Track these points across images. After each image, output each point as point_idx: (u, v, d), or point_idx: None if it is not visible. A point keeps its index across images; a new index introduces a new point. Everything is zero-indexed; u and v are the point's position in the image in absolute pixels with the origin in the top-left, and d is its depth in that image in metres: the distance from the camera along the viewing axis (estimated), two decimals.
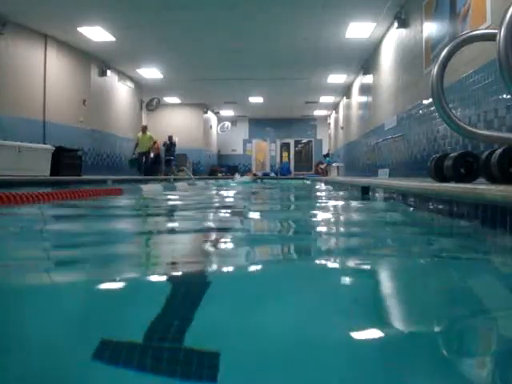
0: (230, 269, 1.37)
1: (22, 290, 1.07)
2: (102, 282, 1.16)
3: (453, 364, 0.74)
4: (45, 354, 0.75)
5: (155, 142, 14.17)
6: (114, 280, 1.19)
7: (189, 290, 1.03)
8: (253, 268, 1.41)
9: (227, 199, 5.25)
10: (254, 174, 21.68)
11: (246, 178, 16.10)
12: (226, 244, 1.90)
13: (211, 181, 14.03)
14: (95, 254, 1.66)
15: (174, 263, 1.46)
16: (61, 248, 1.83)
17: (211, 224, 2.68)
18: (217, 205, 4.18)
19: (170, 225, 2.73)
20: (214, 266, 1.42)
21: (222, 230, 2.37)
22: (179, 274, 1.30)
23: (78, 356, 0.74)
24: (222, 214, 3.21)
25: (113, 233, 2.32)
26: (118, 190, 5.97)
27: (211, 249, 1.75)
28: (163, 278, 1.21)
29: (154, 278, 1.26)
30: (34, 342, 0.78)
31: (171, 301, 0.93)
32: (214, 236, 2.18)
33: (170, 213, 3.55)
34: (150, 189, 6.90)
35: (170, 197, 5.58)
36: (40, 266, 1.40)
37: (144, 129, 13.85)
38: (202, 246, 1.86)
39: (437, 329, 0.88)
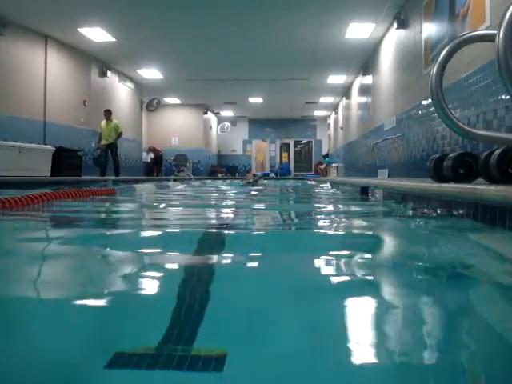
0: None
1: (28, 302, 1.05)
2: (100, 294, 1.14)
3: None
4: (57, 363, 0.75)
5: (120, 134, 10.87)
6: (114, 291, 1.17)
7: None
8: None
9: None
10: (254, 175, 21.67)
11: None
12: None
13: (208, 181, 14.01)
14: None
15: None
16: (60, 253, 1.82)
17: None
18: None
19: None
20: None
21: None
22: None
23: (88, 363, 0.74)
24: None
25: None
26: (111, 191, 6.07)
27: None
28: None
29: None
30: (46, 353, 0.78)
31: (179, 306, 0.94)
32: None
33: None
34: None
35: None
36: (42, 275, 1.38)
37: (107, 115, 10.78)
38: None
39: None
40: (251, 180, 12.28)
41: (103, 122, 10.71)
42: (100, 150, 10.54)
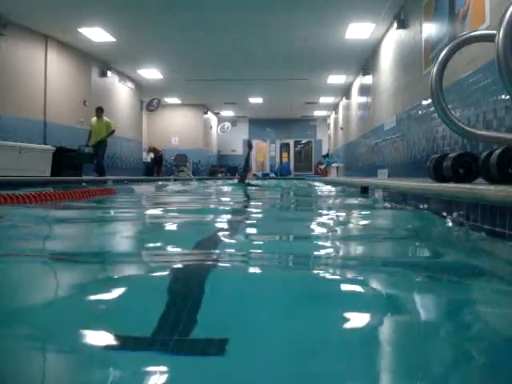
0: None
1: (25, 287, 1.08)
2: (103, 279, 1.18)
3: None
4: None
5: (113, 131, 10.53)
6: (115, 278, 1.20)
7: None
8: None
9: None
10: (254, 175, 21.70)
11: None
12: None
13: (209, 181, 13.91)
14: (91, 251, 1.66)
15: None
16: (60, 244, 1.84)
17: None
18: None
19: None
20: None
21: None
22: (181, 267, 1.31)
23: (88, 348, 0.76)
24: None
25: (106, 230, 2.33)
26: (111, 190, 6.07)
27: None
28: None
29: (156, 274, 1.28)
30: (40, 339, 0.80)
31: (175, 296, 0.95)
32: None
33: None
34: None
35: None
36: (41, 262, 1.41)
37: (99, 112, 10.41)
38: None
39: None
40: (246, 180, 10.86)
41: (94, 119, 10.42)
42: (91, 149, 10.14)
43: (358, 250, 1.84)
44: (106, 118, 10.52)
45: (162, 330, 0.79)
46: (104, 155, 10.50)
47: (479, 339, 0.84)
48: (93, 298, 1.03)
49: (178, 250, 1.73)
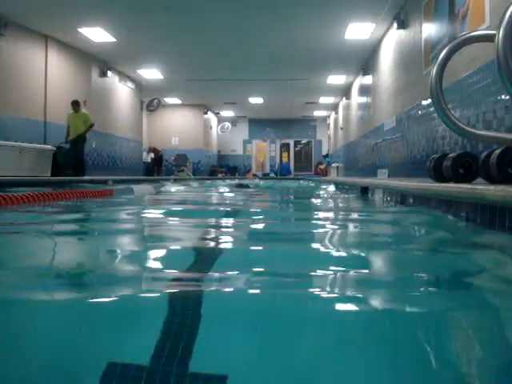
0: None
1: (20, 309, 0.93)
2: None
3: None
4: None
5: (92, 125, 9.57)
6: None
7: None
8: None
9: None
10: (254, 175, 21.72)
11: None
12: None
13: (209, 181, 13.82)
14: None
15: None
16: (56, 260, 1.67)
17: None
18: None
19: None
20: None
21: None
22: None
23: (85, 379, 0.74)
24: None
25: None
26: (109, 191, 6.04)
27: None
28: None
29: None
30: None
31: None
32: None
33: None
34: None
35: None
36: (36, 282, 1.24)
37: (75, 106, 9.46)
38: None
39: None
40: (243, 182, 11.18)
41: (70, 114, 9.49)
42: (69, 145, 9.35)
43: None
44: (83, 111, 9.64)
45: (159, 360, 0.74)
46: (83, 151, 9.62)
47: None
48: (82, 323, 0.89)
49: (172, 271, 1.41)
